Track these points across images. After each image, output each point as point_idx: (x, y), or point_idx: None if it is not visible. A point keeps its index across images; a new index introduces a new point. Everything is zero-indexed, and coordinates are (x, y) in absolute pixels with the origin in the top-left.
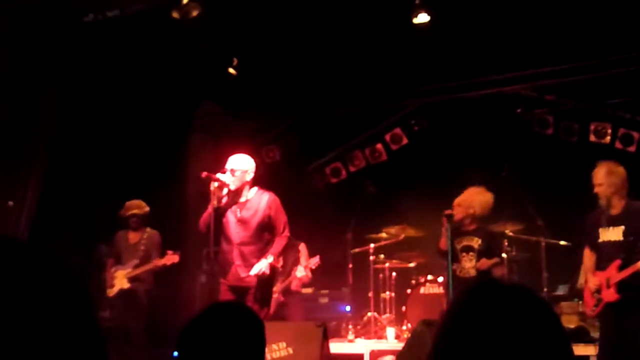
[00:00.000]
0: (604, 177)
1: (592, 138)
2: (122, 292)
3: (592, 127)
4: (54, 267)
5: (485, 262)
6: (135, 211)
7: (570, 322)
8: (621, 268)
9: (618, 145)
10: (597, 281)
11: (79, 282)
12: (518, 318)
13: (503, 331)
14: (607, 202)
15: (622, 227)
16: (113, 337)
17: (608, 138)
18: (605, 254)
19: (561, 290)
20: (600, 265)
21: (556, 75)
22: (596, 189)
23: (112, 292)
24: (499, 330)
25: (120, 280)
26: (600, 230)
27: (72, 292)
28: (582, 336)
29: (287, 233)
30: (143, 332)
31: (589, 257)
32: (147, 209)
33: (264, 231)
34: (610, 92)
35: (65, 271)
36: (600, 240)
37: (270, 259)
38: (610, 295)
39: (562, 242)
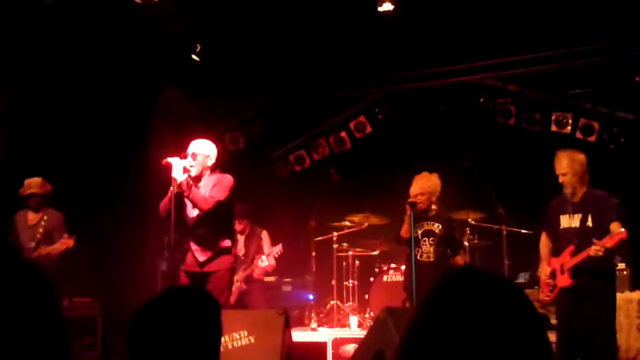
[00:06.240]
0: (568, 167)
1: (554, 128)
2: None
3: (553, 117)
4: (11, 255)
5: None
6: (34, 190)
7: None
8: (574, 254)
9: (578, 135)
10: (549, 268)
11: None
12: (497, 305)
13: (481, 318)
14: (572, 190)
15: (580, 215)
16: None
17: (569, 128)
18: (563, 241)
19: (522, 278)
20: (557, 252)
21: (519, 66)
22: (561, 179)
23: None
24: (478, 318)
25: None
26: (561, 217)
27: (32, 280)
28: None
29: (216, 197)
30: None
31: (545, 243)
32: (48, 187)
33: (214, 212)
34: (572, 83)
35: (22, 259)
36: (560, 227)
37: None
38: (563, 280)
39: (524, 231)
